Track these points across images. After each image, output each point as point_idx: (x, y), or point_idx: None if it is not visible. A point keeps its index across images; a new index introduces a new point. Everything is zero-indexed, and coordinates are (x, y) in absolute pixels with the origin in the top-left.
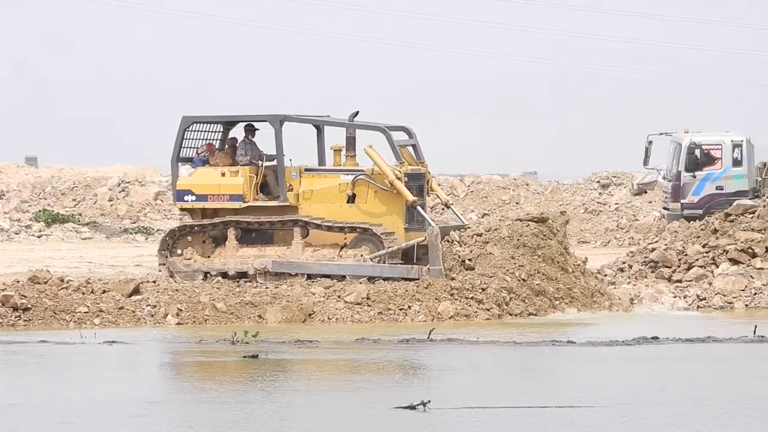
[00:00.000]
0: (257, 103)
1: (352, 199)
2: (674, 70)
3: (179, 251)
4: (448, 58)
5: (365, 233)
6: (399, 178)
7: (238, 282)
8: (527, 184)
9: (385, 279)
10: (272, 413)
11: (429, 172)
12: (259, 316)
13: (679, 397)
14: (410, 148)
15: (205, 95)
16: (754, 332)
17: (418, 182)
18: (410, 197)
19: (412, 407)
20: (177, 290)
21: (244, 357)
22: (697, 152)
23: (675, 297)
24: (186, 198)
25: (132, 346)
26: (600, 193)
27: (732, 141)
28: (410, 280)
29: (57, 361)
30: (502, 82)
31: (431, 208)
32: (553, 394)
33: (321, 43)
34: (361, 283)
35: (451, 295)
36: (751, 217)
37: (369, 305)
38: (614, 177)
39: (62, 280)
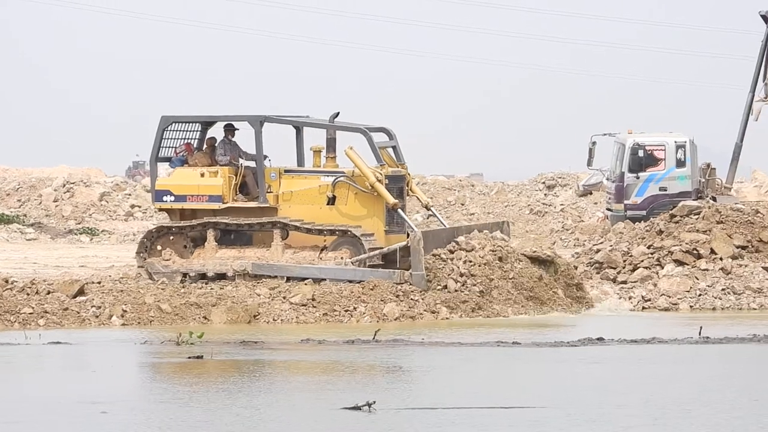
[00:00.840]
0: (234, 104)
1: (332, 201)
2: (618, 71)
3: (158, 250)
4: (392, 60)
5: (345, 236)
6: (380, 181)
7: (183, 283)
8: (473, 185)
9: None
10: (213, 416)
11: (409, 174)
12: (205, 317)
13: (610, 398)
14: (390, 150)
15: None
16: (699, 333)
17: (399, 184)
18: (391, 200)
19: (357, 408)
20: (122, 291)
21: (189, 358)
22: (641, 153)
23: (620, 298)
24: (165, 198)
25: (77, 347)
26: (545, 194)
27: (675, 142)
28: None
29: (2, 361)
30: (446, 84)
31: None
32: (495, 394)
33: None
34: (306, 284)
35: (397, 296)
36: (696, 219)
37: (314, 306)
38: (559, 178)
39: (7, 281)
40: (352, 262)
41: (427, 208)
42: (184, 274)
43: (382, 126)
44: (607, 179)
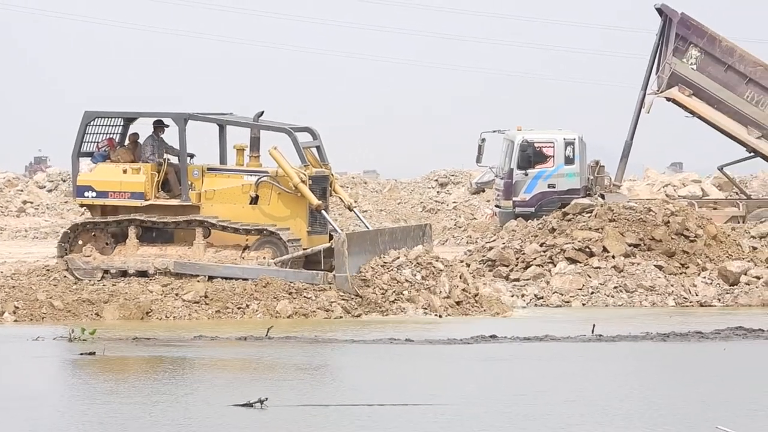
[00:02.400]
0: (155, 101)
1: (255, 200)
2: (509, 68)
3: (79, 246)
4: (271, 56)
5: (267, 235)
6: (303, 181)
7: (75, 280)
8: (365, 183)
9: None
10: (106, 413)
11: (332, 174)
12: (97, 314)
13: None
14: (314, 150)
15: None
16: (592, 331)
17: (322, 185)
18: (315, 201)
19: (249, 405)
20: (14, 287)
21: (81, 354)
22: (530, 150)
23: (512, 296)
24: (86, 194)
25: None
26: (438, 192)
27: (564, 139)
28: (314, 285)
29: None
30: (337, 82)
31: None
32: (387, 391)
33: (216, 47)
34: (199, 281)
35: (290, 294)
36: (589, 217)
37: (207, 304)
38: (452, 176)
39: None
40: (275, 263)
41: (350, 209)
42: (105, 271)
43: (307, 126)
44: (496, 176)
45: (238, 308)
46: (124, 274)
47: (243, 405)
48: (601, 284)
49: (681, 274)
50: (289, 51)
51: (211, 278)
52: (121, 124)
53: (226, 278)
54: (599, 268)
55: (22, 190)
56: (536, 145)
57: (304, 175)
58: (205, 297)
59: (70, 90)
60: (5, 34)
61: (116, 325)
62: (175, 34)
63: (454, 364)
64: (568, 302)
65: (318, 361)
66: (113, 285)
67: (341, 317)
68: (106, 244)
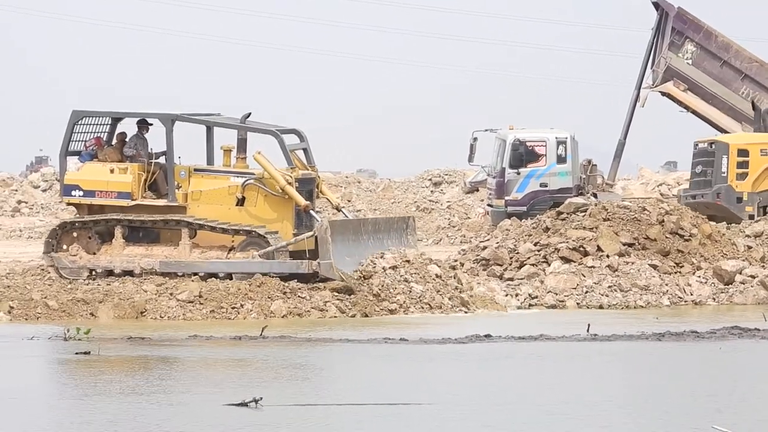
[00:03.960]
0: (148, 102)
1: (241, 201)
2: (500, 66)
3: (65, 247)
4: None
5: (253, 236)
6: (290, 184)
7: (69, 279)
8: (359, 182)
9: (275, 275)
10: (100, 412)
11: (319, 176)
12: (92, 314)
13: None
14: (301, 152)
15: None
16: (587, 330)
17: (308, 187)
18: (302, 201)
19: (244, 404)
20: (8, 287)
21: (77, 353)
22: (522, 149)
23: (507, 295)
24: (74, 193)
25: None
26: (432, 191)
27: (556, 138)
28: (300, 275)
29: None
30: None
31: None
32: (382, 391)
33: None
34: (193, 281)
35: (284, 294)
36: (583, 216)
37: (201, 303)
38: (446, 175)
39: None
40: (259, 255)
41: (338, 209)
42: (91, 270)
43: (294, 128)
44: (488, 175)
45: (233, 308)
46: (110, 273)
47: (237, 404)
48: (595, 283)
49: (676, 273)
50: (287, 51)
51: (205, 278)
52: (109, 123)
53: (211, 274)
54: (594, 267)
55: (16, 190)
56: (528, 144)
57: (290, 177)
58: (200, 297)
59: (71, 90)
60: (4, 34)
61: (111, 325)
62: (174, 35)
63: (448, 364)
64: (562, 302)
65: (312, 361)
66: (108, 285)
67: (335, 317)
68: (93, 243)
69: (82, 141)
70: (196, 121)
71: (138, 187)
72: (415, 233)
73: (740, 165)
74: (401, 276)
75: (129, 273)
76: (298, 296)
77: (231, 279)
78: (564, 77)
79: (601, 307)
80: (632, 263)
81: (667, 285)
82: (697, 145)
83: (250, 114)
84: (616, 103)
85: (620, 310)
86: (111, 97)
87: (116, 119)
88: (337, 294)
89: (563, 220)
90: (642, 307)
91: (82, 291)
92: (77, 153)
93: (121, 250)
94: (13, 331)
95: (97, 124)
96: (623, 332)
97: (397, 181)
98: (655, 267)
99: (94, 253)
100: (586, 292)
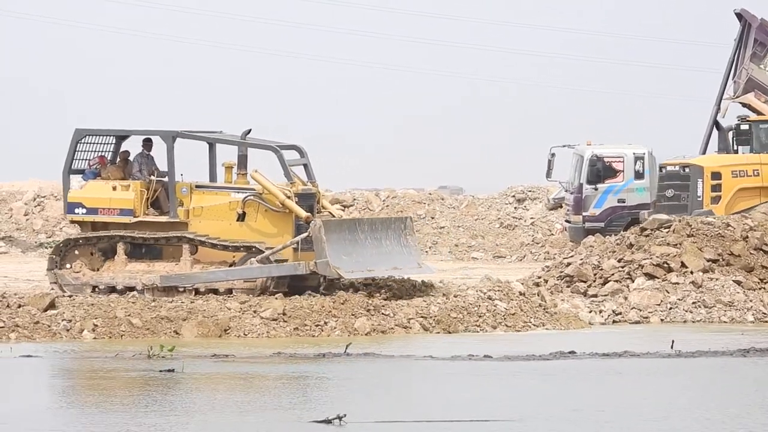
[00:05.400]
0: (152, 119)
1: (242, 217)
2: (581, 83)
3: (68, 264)
4: (365, 74)
5: (252, 252)
6: (289, 197)
7: (153, 297)
8: (442, 199)
9: (275, 278)
10: (182, 427)
11: (320, 192)
12: (175, 332)
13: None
14: (301, 168)
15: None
16: (671, 347)
17: (309, 202)
18: (303, 214)
19: (328, 421)
20: (92, 305)
21: (161, 371)
22: (599, 165)
23: (591, 312)
24: (77, 210)
25: (49, 360)
26: (515, 208)
27: (634, 153)
28: (299, 276)
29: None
30: (419, 98)
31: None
32: (469, 407)
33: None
34: (277, 298)
35: (368, 311)
36: (667, 232)
37: (285, 321)
38: (530, 191)
39: None
40: (257, 261)
41: None
42: (94, 287)
43: (294, 144)
44: (566, 191)
45: (316, 325)
46: (112, 289)
47: (321, 421)
48: (679, 300)
49: (760, 289)
50: (370, 67)
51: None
52: (113, 142)
53: (209, 284)
54: (678, 283)
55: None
56: (606, 159)
57: (290, 191)
58: (283, 314)
59: (74, 109)
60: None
61: (195, 343)
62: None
63: (532, 380)
64: (646, 318)
65: (396, 378)
66: (191, 302)
67: (418, 333)
68: (92, 255)
69: (86, 159)
70: (198, 137)
71: (140, 203)
72: (414, 233)
73: (714, 188)
74: (485, 294)
75: (131, 289)
76: (382, 313)
77: (231, 293)
78: (643, 92)
79: (685, 322)
80: (716, 279)
81: (751, 301)
82: (663, 168)
83: (250, 131)
84: (692, 119)
85: (704, 326)
86: (115, 114)
87: (120, 138)
88: (420, 311)
89: (647, 236)
90: (726, 323)
91: (166, 309)
92: (81, 171)
93: (124, 266)
94: (96, 347)
95: (99, 143)
96: (708, 348)
97: (480, 198)
98: (739, 283)
99: (97, 270)
100: (670, 308)
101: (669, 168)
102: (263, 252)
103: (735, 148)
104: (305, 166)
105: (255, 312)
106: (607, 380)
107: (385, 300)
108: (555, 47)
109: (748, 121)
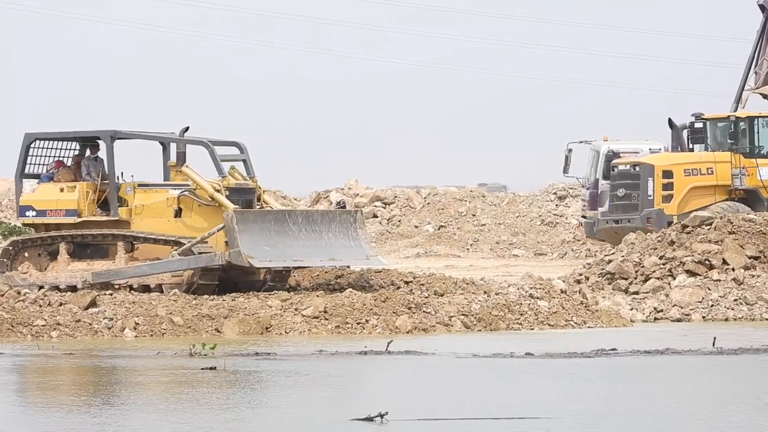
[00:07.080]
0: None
1: (178, 213)
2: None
3: (18, 266)
4: (407, 72)
5: (182, 246)
6: (218, 191)
7: (195, 294)
8: (483, 196)
9: (193, 270)
10: (234, 423)
11: (260, 187)
12: (217, 330)
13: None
14: (240, 164)
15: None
16: (713, 344)
17: (246, 196)
18: (230, 206)
19: (369, 419)
20: (134, 303)
21: (203, 369)
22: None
23: (632, 309)
24: (27, 213)
25: (92, 359)
26: (557, 205)
27: (650, 149)
28: (214, 269)
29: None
30: (463, 98)
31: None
32: (508, 405)
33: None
34: (318, 296)
35: (409, 308)
36: (708, 229)
37: (326, 319)
38: (570, 189)
39: (19, 293)
40: (178, 254)
41: None
42: (40, 287)
43: (234, 140)
44: (583, 186)
45: (358, 323)
46: (56, 288)
47: (363, 419)
48: (721, 297)
49: None
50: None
51: (329, 293)
52: (73, 147)
53: (141, 280)
54: (719, 280)
55: None
56: (622, 155)
57: (219, 185)
58: (325, 312)
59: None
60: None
61: (236, 340)
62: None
63: (575, 378)
64: (687, 315)
65: (438, 376)
66: (232, 300)
67: (460, 331)
68: (39, 256)
69: (40, 164)
70: (135, 136)
71: (85, 204)
72: (365, 227)
73: (665, 187)
74: (526, 291)
75: (73, 288)
76: (423, 311)
77: (161, 291)
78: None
79: (726, 320)
80: (758, 276)
81: None
82: (614, 167)
83: (188, 128)
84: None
85: (745, 323)
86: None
87: (85, 142)
88: (461, 309)
89: (688, 233)
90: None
91: (207, 307)
92: (36, 176)
93: (66, 266)
94: (139, 346)
95: (52, 147)
96: (749, 346)
97: (521, 195)
98: None
99: (44, 270)
100: (712, 305)
101: (621, 167)
102: (184, 245)
103: (690, 146)
104: (244, 162)
105: (296, 310)
106: (655, 377)
107: (426, 298)
108: (610, 46)
109: (702, 119)
